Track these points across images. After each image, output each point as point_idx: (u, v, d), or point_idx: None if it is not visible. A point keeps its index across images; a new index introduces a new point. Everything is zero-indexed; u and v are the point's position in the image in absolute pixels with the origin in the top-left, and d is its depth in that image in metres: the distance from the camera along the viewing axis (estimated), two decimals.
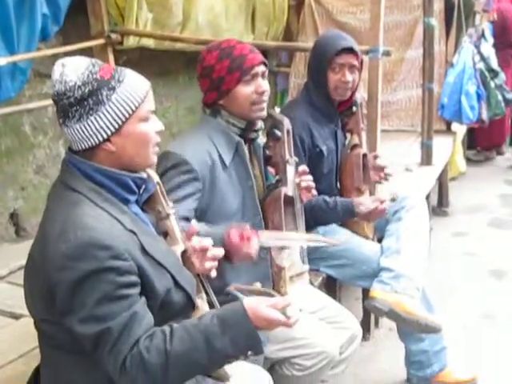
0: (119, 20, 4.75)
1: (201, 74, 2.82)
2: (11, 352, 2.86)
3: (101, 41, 4.58)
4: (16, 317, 3.19)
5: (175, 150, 2.67)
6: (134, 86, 2.04)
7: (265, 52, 6.41)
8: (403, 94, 6.82)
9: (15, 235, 4.34)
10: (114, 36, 4.63)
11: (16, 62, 3.84)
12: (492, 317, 4.68)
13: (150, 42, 4.93)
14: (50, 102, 3.97)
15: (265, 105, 2.86)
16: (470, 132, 8.43)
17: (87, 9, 4.59)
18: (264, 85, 2.82)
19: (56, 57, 4.03)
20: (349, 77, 3.50)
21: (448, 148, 6.63)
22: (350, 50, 3.49)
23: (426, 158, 5.87)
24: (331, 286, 3.84)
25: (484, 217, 6.83)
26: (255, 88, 2.79)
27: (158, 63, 5.32)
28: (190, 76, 5.81)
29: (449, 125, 7.02)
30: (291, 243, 2.89)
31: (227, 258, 2.50)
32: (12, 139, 4.23)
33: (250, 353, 2.03)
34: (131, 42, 4.76)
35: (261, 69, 2.80)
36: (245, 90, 2.77)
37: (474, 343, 4.28)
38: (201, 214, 2.68)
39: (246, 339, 2.00)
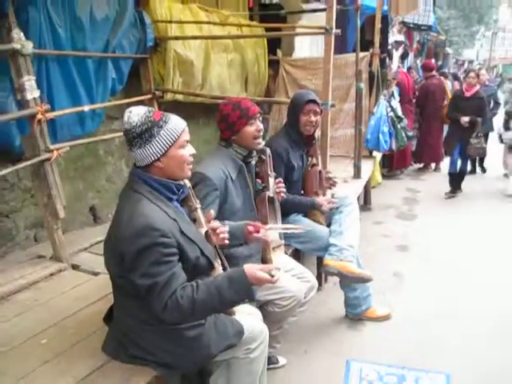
0: (161, 82, 4.70)
1: (220, 119, 2.81)
2: (93, 296, 2.85)
3: (149, 96, 4.54)
4: (95, 274, 3.17)
5: (201, 170, 2.66)
6: (175, 124, 2.07)
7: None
8: (342, 132, 6.78)
9: (93, 222, 4.31)
10: (157, 93, 4.60)
11: (95, 109, 3.83)
12: (400, 275, 4.68)
13: (180, 97, 4.89)
14: (116, 134, 4.01)
15: (261, 139, 2.88)
16: (384, 157, 8.35)
17: (140, 74, 4.55)
18: (260, 126, 2.84)
19: (121, 106, 4.05)
20: (313, 118, 3.51)
21: (370, 167, 6.56)
22: (314, 101, 3.51)
23: (357, 174, 5.84)
24: (297, 255, 3.81)
25: (393, 212, 6.77)
26: (255, 128, 2.80)
27: (186, 111, 5.30)
28: (206, 119, 5.73)
29: (371, 152, 6.95)
30: (278, 230, 3.02)
31: (245, 241, 2.60)
32: (91, 159, 4.19)
33: (246, 300, 2.08)
34: (169, 96, 4.73)
35: (258, 116, 2.81)
36: (249, 130, 2.78)
37: (388, 291, 4.26)
38: (219, 210, 2.68)
39: (244, 291, 2.04)
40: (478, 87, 7.35)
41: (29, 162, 3.01)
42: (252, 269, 2.05)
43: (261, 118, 2.87)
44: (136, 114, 2.03)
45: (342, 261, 3.43)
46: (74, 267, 3.26)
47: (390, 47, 7.53)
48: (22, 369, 2.18)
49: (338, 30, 3.90)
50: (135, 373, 2.14)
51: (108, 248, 2.12)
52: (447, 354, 3.39)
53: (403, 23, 9.57)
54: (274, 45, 6.67)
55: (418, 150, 9.12)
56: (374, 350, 3.43)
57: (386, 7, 7.42)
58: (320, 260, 3.80)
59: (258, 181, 3.07)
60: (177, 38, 4.51)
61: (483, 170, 9.32)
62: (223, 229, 2.37)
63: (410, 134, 7.43)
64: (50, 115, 3.13)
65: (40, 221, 3.59)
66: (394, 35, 8.14)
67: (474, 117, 7.09)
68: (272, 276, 2.04)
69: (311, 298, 3.13)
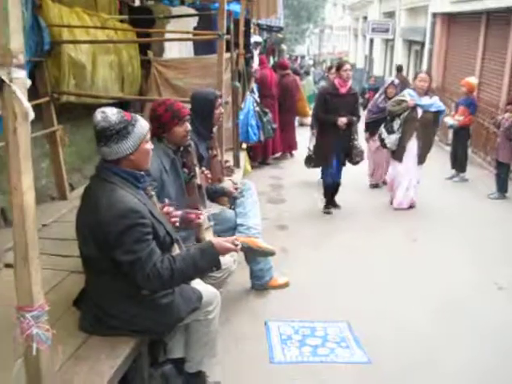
0: (55, 85, 4.77)
1: (152, 118, 3.11)
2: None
3: (47, 98, 4.61)
4: None
5: None
6: (142, 123, 2.41)
7: (128, 102, 6.64)
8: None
9: (4, 224, 4.24)
10: (55, 95, 4.69)
11: None
12: (286, 250, 5.25)
13: (73, 99, 5.00)
14: None
15: (188, 137, 3.26)
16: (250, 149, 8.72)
17: (35, 78, 4.56)
18: (189, 126, 3.21)
19: None
20: (222, 110, 3.95)
21: (244, 157, 7.11)
22: (220, 96, 3.94)
23: (237, 163, 6.32)
24: None
25: (264, 197, 7.12)
26: (184, 128, 3.17)
27: (75, 111, 5.43)
28: (90, 119, 5.70)
29: (241, 144, 7.39)
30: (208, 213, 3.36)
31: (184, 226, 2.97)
32: None
33: (214, 268, 2.51)
34: (64, 98, 4.83)
35: (188, 117, 3.18)
36: (180, 129, 3.15)
37: (281, 264, 4.75)
38: (159, 195, 2.99)
39: (214, 261, 2.47)
40: (350, 82, 6.28)
41: None
42: (219, 240, 2.48)
43: (189, 119, 3.23)
44: (112, 114, 2.33)
45: (250, 237, 3.91)
46: (8, 266, 3.35)
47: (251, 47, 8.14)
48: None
49: (229, 36, 4.35)
50: (117, 342, 2.45)
51: (85, 232, 2.39)
52: (341, 307, 4.07)
53: (258, 25, 10.32)
54: (144, 46, 6.89)
55: (278, 140, 9.56)
56: (284, 311, 4.00)
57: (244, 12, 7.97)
58: None
59: (185, 170, 3.40)
60: (70, 42, 4.65)
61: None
62: (176, 213, 2.75)
63: (274, 126, 8.12)
64: None
65: None
66: (253, 36, 8.79)
67: (350, 116, 6.12)
68: (236, 245, 2.49)
69: (234, 270, 3.57)
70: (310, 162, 7.48)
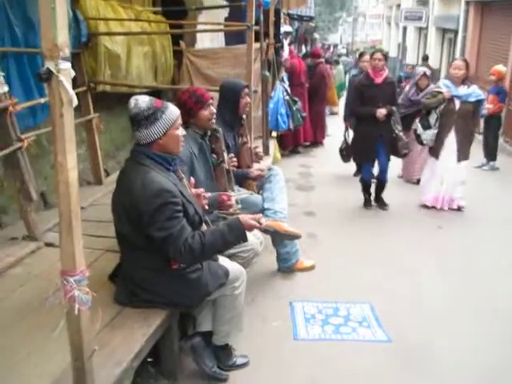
0: (91, 75, 5.00)
1: (178, 106, 3.24)
2: None
3: (84, 88, 4.81)
4: None
5: None
6: (172, 110, 2.58)
7: (161, 91, 6.85)
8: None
9: (44, 207, 4.46)
10: (92, 84, 4.92)
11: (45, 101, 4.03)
12: (313, 235, 5.39)
13: (108, 88, 5.23)
14: None
15: (214, 120, 3.43)
16: (281, 137, 8.86)
17: (75, 68, 4.76)
18: (213, 109, 3.38)
19: None
20: (249, 99, 4.11)
21: (273, 145, 7.29)
22: (247, 86, 4.09)
23: (266, 151, 6.49)
24: None
25: (292, 184, 7.36)
26: (209, 111, 3.35)
27: (108, 100, 5.63)
28: (123, 108, 5.95)
29: (271, 132, 7.53)
30: (236, 196, 3.53)
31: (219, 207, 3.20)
32: (36, 149, 4.29)
33: (241, 241, 2.68)
34: (101, 88, 5.06)
35: (211, 101, 3.36)
36: (204, 113, 3.32)
37: (308, 248, 4.89)
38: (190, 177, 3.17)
39: (241, 235, 2.65)
40: (386, 71, 5.95)
41: (5, 151, 3.32)
42: (245, 217, 2.66)
43: (213, 103, 3.40)
44: (143, 101, 2.52)
45: (276, 221, 4.07)
46: (48, 245, 3.60)
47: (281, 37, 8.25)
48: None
49: (258, 27, 4.49)
50: (150, 314, 2.66)
51: (120, 212, 2.59)
52: (364, 291, 4.20)
53: (288, 15, 10.42)
54: (177, 36, 7.09)
55: (308, 129, 9.68)
56: (309, 292, 4.15)
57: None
58: None
59: (214, 156, 3.58)
60: (106, 34, 4.88)
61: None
62: (206, 194, 2.93)
63: (304, 114, 8.23)
64: (19, 107, 3.44)
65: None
66: (283, 26, 8.90)
67: (390, 106, 5.81)
68: (260, 224, 2.66)
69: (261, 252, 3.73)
70: (347, 156, 7.36)
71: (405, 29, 25.09)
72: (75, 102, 1.64)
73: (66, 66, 1.58)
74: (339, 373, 3.17)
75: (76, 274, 1.69)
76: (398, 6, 25.53)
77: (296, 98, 7.97)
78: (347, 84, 7.59)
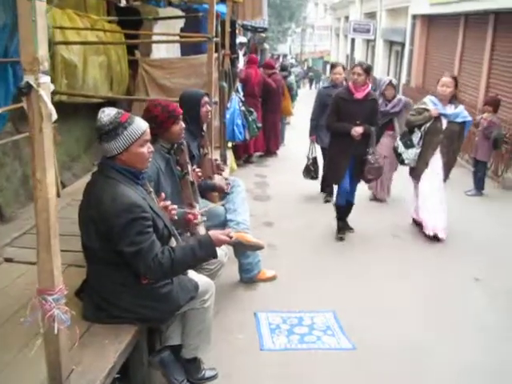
0: None
1: (148, 119, 3.10)
2: None
3: None
4: (33, 263, 3.28)
5: None
6: (137, 126, 2.53)
7: (116, 101, 6.74)
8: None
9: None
10: None
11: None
12: (272, 245, 5.42)
13: (64, 98, 5.11)
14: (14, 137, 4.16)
15: (183, 134, 3.43)
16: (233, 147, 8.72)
17: None
18: (183, 124, 3.37)
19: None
20: (209, 108, 4.11)
21: (230, 156, 7.27)
22: (207, 94, 4.10)
23: (224, 161, 6.42)
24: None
25: (250, 194, 7.14)
26: (180, 126, 3.34)
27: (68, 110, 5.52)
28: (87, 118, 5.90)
29: (227, 143, 7.52)
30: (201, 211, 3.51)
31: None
32: None
33: (212, 258, 2.69)
34: (57, 97, 4.91)
35: (181, 116, 3.35)
36: (176, 128, 3.31)
37: (268, 258, 4.93)
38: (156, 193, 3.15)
39: (211, 251, 2.64)
40: (369, 87, 5.40)
41: None
42: (215, 232, 2.66)
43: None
44: (107, 115, 2.48)
45: (240, 232, 4.08)
46: (8, 260, 3.48)
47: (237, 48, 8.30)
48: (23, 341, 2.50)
49: (218, 38, 4.51)
50: (119, 329, 2.61)
51: (88, 225, 2.53)
52: (326, 299, 4.26)
53: (242, 26, 10.48)
54: (132, 46, 7.01)
55: (261, 139, 9.57)
56: (272, 303, 4.19)
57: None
58: None
59: (178, 168, 3.56)
60: (63, 43, 4.78)
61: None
62: (173, 206, 2.92)
63: (259, 125, 8.28)
64: None
65: None
66: (238, 37, 8.95)
67: (368, 126, 5.30)
68: (230, 238, 2.67)
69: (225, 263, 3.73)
70: (309, 173, 7.17)
71: (353, 40, 25.66)
72: (54, 116, 1.61)
73: (46, 79, 1.55)
74: (306, 382, 3.21)
75: (55, 292, 1.66)
76: (347, 17, 26.12)
77: (252, 109, 8.01)
78: (315, 96, 7.31)
